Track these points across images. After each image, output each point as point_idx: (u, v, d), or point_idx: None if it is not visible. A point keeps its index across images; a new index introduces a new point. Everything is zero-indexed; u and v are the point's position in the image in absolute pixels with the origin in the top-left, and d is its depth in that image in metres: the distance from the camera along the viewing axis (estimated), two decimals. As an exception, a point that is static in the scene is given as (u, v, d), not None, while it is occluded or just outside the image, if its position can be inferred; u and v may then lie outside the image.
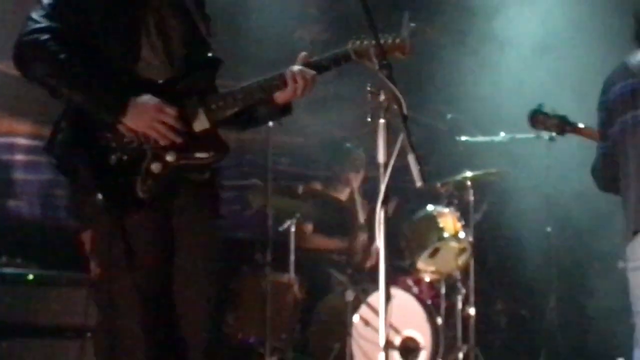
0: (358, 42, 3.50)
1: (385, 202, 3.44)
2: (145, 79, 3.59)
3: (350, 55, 3.53)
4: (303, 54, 3.62)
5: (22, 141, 6.25)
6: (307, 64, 3.58)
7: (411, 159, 3.24)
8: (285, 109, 3.73)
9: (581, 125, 4.35)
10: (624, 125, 3.77)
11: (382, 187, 3.43)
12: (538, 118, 4.43)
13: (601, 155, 3.90)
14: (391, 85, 3.33)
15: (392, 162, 3.41)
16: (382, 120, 3.45)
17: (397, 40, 3.53)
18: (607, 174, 3.89)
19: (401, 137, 3.30)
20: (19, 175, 6.20)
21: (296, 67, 3.59)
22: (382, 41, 3.49)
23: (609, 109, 3.78)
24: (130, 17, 3.61)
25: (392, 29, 3.58)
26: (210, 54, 3.74)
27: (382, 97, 3.45)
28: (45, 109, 4.03)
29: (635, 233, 3.75)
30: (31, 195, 6.20)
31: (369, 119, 3.54)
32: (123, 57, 3.56)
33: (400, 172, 3.51)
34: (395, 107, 3.34)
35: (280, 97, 3.61)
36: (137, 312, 3.59)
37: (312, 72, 3.59)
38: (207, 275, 3.71)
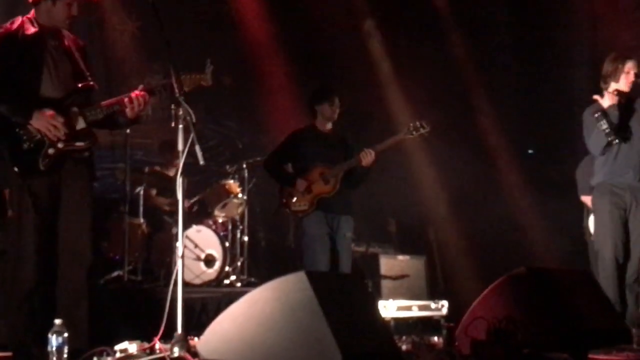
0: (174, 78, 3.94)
1: (182, 173, 3.96)
2: (45, 97, 4.04)
3: (169, 85, 4.01)
4: (141, 85, 4.28)
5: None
6: (144, 90, 4.20)
7: (197, 148, 3.88)
8: (135, 120, 4.26)
9: None
10: None
11: (181, 163, 3.95)
12: None
13: None
14: (186, 105, 3.93)
15: (187, 149, 3.93)
16: (180, 125, 4.02)
17: (201, 76, 4.12)
18: None
19: (192, 136, 3.95)
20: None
21: (134, 93, 4.16)
22: (190, 76, 4.03)
23: None
24: (33, 58, 4.03)
25: (198, 67, 4.11)
26: (91, 82, 4.21)
27: (180, 112, 3.99)
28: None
29: None
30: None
31: (173, 125, 4.05)
32: (31, 84, 4.00)
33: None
34: (188, 117, 3.95)
35: (128, 112, 4.20)
36: (34, 240, 4.03)
37: (145, 95, 4.14)
38: (88, 213, 4.19)
